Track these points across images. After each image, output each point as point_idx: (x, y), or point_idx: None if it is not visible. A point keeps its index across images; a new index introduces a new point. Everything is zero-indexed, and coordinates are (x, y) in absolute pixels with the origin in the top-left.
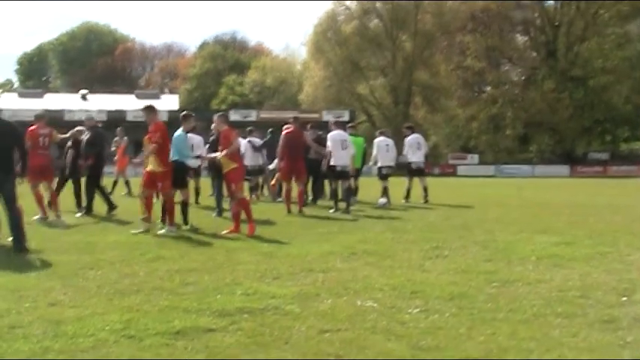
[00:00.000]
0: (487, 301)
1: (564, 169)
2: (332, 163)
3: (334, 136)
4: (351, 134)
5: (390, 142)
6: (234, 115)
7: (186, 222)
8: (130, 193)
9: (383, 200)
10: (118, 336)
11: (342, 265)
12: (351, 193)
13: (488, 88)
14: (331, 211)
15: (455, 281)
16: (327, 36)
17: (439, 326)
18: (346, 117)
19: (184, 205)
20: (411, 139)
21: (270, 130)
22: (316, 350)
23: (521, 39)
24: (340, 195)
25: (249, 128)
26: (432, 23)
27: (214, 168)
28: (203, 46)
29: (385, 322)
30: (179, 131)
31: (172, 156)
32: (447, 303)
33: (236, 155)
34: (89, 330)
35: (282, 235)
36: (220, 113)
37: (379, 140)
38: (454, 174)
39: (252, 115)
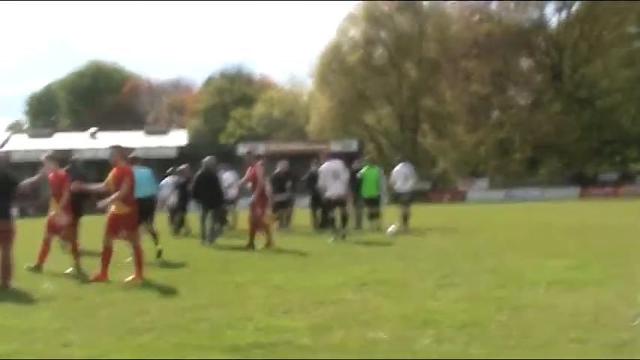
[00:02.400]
0: (499, 329)
1: (574, 191)
2: (327, 194)
3: (325, 168)
4: (366, 165)
5: (409, 170)
6: (243, 149)
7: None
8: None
9: (394, 228)
10: None
11: (352, 297)
12: (346, 220)
13: (495, 113)
14: (330, 240)
15: (466, 309)
16: (332, 67)
17: (452, 355)
18: (354, 147)
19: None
20: (399, 169)
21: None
22: None
23: (525, 63)
24: (341, 221)
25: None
26: (436, 50)
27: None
28: (209, 80)
29: (397, 353)
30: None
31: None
32: (459, 331)
33: (130, 198)
34: None
35: (292, 267)
36: (115, 144)
37: (398, 168)
38: (464, 199)
39: (261, 148)
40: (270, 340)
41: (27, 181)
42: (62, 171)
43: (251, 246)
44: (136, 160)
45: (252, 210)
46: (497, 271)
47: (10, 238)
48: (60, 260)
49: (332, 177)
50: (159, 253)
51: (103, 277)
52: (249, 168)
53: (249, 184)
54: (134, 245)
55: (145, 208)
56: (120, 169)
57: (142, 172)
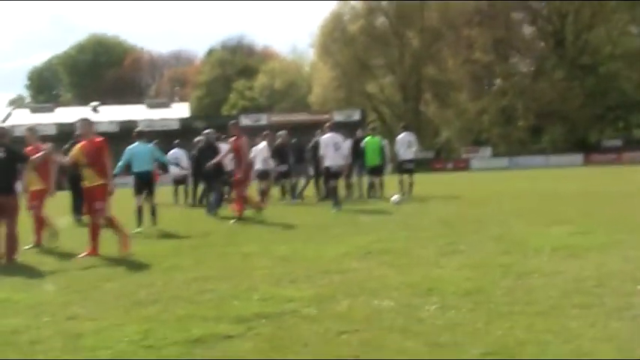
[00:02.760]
0: (504, 295)
1: (578, 157)
2: (326, 164)
3: (326, 139)
4: (368, 135)
5: (412, 137)
6: (246, 120)
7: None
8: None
9: (397, 197)
10: (136, 347)
11: (357, 266)
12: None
13: (498, 81)
14: (333, 210)
15: (471, 276)
16: (334, 36)
17: (456, 322)
18: (357, 116)
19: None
20: (402, 137)
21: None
22: (334, 352)
23: (528, 30)
24: (341, 192)
25: (265, 132)
26: (438, 19)
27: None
28: (211, 52)
29: (402, 321)
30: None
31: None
32: (464, 299)
33: (104, 170)
34: (108, 342)
35: (297, 238)
36: (84, 117)
37: (401, 136)
38: (467, 168)
39: (263, 119)
40: (276, 310)
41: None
42: (43, 144)
43: (240, 219)
44: (141, 135)
45: (235, 185)
46: (502, 239)
47: (14, 214)
48: (66, 235)
49: (333, 148)
50: (139, 225)
51: (93, 252)
52: (233, 140)
53: (231, 157)
54: (94, 220)
55: (142, 182)
56: (90, 142)
57: (141, 148)
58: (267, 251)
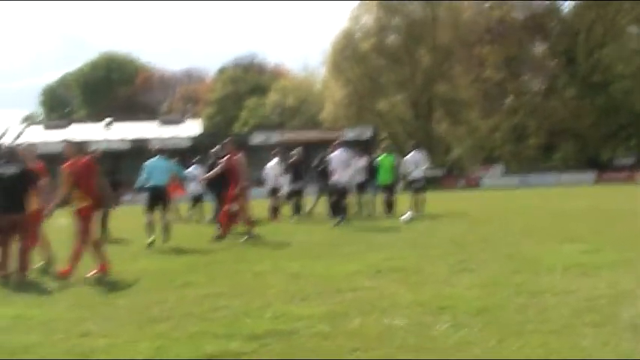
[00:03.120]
0: (516, 314)
1: (590, 176)
2: (334, 181)
3: (336, 156)
4: (383, 153)
5: (421, 156)
6: (257, 137)
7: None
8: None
9: (408, 215)
10: None
11: (369, 284)
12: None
13: (509, 99)
14: (334, 224)
15: (482, 295)
16: (345, 54)
17: (469, 341)
18: (369, 134)
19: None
20: (411, 156)
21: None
22: None
23: (539, 47)
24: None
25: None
26: (450, 36)
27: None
28: (222, 70)
29: (414, 340)
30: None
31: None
32: (476, 317)
33: (91, 191)
34: (121, 359)
35: (308, 255)
36: (69, 138)
37: (410, 155)
38: (479, 186)
39: (275, 137)
40: (288, 327)
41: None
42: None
43: (222, 237)
44: (162, 151)
45: (227, 201)
46: (513, 257)
47: (26, 231)
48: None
49: (341, 165)
50: (151, 243)
51: (103, 270)
52: (226, 158)
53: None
54: (81, 239)
55: (157, 196)
56: (74, 163)
57: (157, 163)
58: (278, 268)
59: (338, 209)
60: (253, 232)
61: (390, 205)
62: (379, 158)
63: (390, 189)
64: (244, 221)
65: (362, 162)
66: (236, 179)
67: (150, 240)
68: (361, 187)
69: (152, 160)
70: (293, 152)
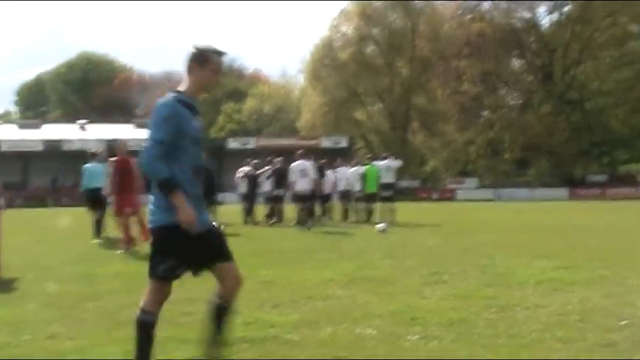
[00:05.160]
0: (487, 327)
1: (563, 191)
2: (295, 190)
3: (295, 166)
4: (366, 164)
5: (390, 163)
6: (233, 143)
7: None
8: None
9: (383, 225)
10: None
11: (341, 292)
12: (312, 214)
13: (486, 113)
14: (307, 225)
15: (454, 307)
16: (324, 62)
17: (439, 352)
18: (344, 143)
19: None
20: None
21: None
22: None
23: (517, 63)
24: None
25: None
26: (428, 49)
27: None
28: None
29: (385, 350)
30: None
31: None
32: (447, 329)
33: None
34: None
35: (282, 262)
36: None
37: (382, 164)
38: (453, 198)
39: (251, 143)
40: (259, 334)
41: None
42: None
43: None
44: (94, 156)
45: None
46: (486, 270)
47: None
48: (48, 250)
49: (299, 175)
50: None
51: None
52: (117, 160)
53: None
54: None
55: (95, 198)
56: None
57: (94, 167)
58: (251, 275)
59: (302, 217)
60: (131, 246)
61: (370, 213)
62: (365, 168)
63: (373, 197)
64: (126, 234)
65: (345, 171)
66: (132, 183)
67: (96, 240)
68: (345, 196)
69: (89, 165)
70: (277, 159)
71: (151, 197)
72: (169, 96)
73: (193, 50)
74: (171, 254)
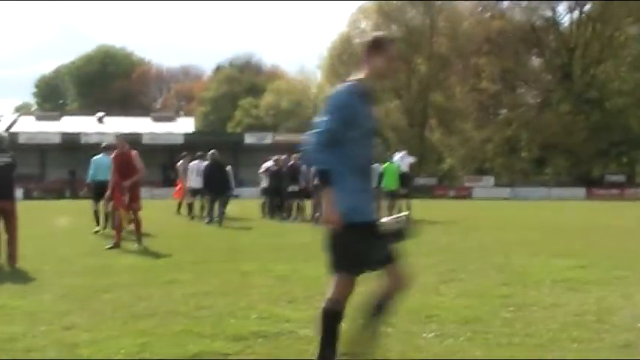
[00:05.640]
0: (503, 326)
1: (580, 191)
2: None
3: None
4: (385, 161)
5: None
6: (250, 138)
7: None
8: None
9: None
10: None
11: (357, 289)
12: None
13: (504, 111)
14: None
15: (470, 305)
16: (342, 59)
17: (454, 351)
18: None
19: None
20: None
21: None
22: None
23: (536, 61)
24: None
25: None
26: (447, 46)
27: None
28: (219, 69)
29: (400, 347)
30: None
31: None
32: (463, 327)
33: None
34: (104, 354)
35: (297, 257)
36: None
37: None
38: (470, 196)
39: (268, 138)
40: (273, 329)
41: None
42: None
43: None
44: (106, 149)
45: (121, 202)
46: (502, 269)
47: (14, 219)
48: (63, 242)
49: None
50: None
51: None
52: (116, 156)
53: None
54: None
55: (101, 189)
56: None
57: (102, 160)
58: (266, 269)
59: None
60: (118, 242)
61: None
62: (384, 166)
63: (394, 195)
64: (117, 227)
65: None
66: (131, 176)
67: (96, 229)
68: None
69: (98, 156)
70: (294, 156)
71: (333, 191)
72: (345, 84)
73: (370, 38)
74: (356, 250)
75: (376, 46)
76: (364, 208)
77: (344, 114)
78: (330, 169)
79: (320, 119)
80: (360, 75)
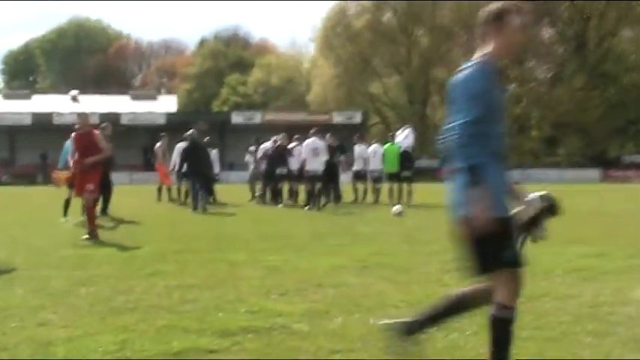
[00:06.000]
0: None
1: (595, 173)
2: (307, 168)
3: (308, 144)
4: (386, 142)
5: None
6: (237, 118)
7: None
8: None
9: (399, 207)
10: (112, 358)
11: (354, 280)
12: (322, 194)
13: (512, 86)
14: (306, 208)
15: None
16: (337, 31)
17: (459, 345)
18: (358, 119)
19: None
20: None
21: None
22: None
23: (547, 32)
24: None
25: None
26: (450, 17)
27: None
28: (203, 43)
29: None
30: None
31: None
32: (469, 320)
33: None
34: (80, 352)
35: (290, 247)
36: None
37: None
38: None
39: (257, 118)
40: (264, 324)
41: None
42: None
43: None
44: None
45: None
46: None
47: None
48: (37, 231)
49: (312, 153)
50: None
51: None
52: (77, 135)
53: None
54: None
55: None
56: None
57: None
58: (256, 260)
59: (311, 196)
60: (96, 232)
61: (406, 193)
62: (384, 147)
63: (397, 177)
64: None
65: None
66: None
67: (64, 219)
68: (358, 176)
69: (69, 141)
70: (278, 137)
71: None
72: (475, 66)
73: (493, 10)
74: (509, 242)
75: (500, 18)
76: (506, 200)
77: (486, 100)
78: (481, 163)
79: (456, 110)
80: (488, 50)
